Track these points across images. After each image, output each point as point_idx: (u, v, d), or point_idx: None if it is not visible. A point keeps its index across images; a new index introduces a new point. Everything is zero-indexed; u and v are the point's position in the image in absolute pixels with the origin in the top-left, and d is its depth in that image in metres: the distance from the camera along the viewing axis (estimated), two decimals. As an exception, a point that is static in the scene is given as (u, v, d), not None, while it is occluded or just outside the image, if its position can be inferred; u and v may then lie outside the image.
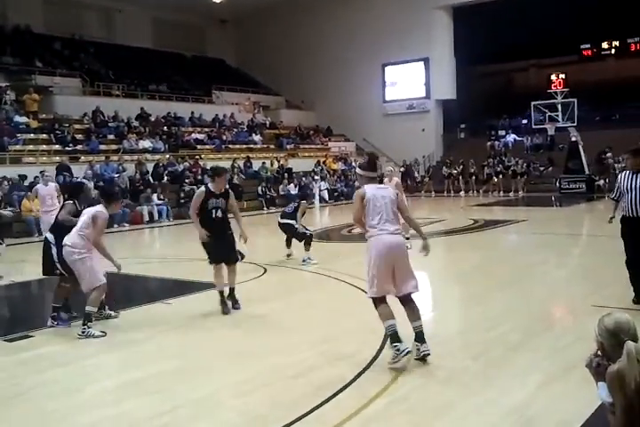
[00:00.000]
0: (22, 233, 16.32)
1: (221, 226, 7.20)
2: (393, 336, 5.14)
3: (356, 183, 26.63)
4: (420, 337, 5.20)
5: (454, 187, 26.79)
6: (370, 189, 5.35)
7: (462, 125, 32.60)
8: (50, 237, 6.97)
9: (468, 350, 5.64)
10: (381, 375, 4.97)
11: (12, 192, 17.37)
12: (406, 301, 5.30)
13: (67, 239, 6.47)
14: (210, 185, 7.31)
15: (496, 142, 29.71)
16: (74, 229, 6.53)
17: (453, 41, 30.51)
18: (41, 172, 14.73)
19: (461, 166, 27.05)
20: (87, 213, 6.61)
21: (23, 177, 17.90)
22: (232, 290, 7.47)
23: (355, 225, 5.88)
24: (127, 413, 4.47)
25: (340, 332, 6.38)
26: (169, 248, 14.89)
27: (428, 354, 5.18)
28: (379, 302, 5.23)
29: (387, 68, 32.00)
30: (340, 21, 30.99)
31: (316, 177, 25.70)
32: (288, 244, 11.08)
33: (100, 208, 6.59)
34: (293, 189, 23.94)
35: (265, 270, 9.90)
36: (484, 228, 14.97)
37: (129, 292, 9.54)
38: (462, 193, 26.25)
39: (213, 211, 7.15)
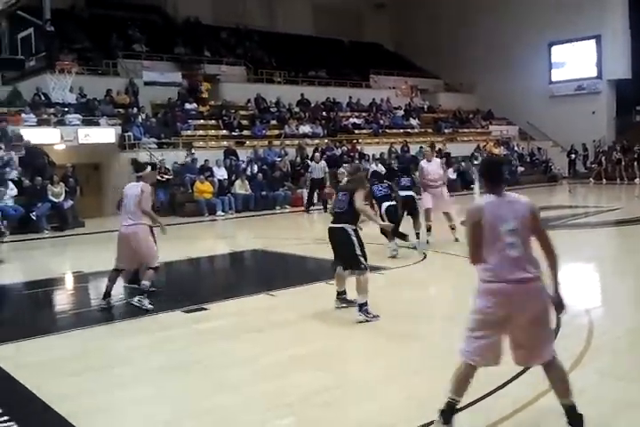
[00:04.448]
0: (193, 213, 17.43)
1: None
2: None
3: (520, 169, 25.70)
4: None
5: (628, 174, 24.90)
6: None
7: (638, 107, 30.07)
8: None
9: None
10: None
11: (184, 174, 18.60)
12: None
13: None
14: None
15: (677, 125, 27.15)
16: None
17: (629, 16, 28.12)
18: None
19: (637, 151, 25.05)
20: None
21: (195, 160, 19.08)
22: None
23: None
24: (296, 385, 4.61)
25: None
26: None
27: None
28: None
29: (553, 48, 30.27)
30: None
31: (475, 162, 24.94)
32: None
33: None
34: (452, 174, 23.46)
35: (425, 256, 9.80)
36: (662, 218, 13.75)
37: (291, 271, 9.88)
38: (637, 180, 24.35)
39: None
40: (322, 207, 17.87)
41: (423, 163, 11.14)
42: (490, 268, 3.56)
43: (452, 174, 23.48)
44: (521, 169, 26.15)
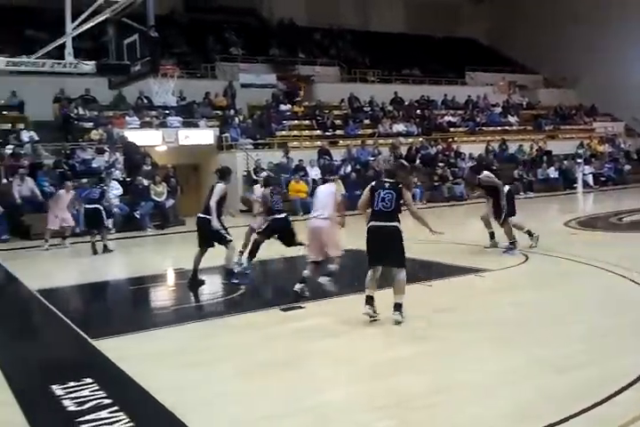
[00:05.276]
0: (288, 212, 17.58)
1: None
2: None
3: (626, 167, 24.47)
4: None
5: None
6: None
7: None
8: None
9: None
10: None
11: (279, 174, 18.85)
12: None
13: None
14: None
15: None
16: None
17: None
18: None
19: None
20: None
21: (289, 160, 19.34)
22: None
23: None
24: (397, 387, 4.54)
25: (614, 326, 5.86)
26: (424, 231, 14.89)
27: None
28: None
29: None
30: (606, -12, 28.36)
31: (578, 160, 23.90)
32: None
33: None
34: (553, 173, 22.60)
35: (527, 258, 9.45)
36: None
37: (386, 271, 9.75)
38: None
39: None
40: None
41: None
42: None
43: (553, 173, 22.66)
44: (627, 167, 24.82)
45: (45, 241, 12.59)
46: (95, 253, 11.79)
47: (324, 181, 8.93)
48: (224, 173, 8.55)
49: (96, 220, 12.01)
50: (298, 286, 7.40)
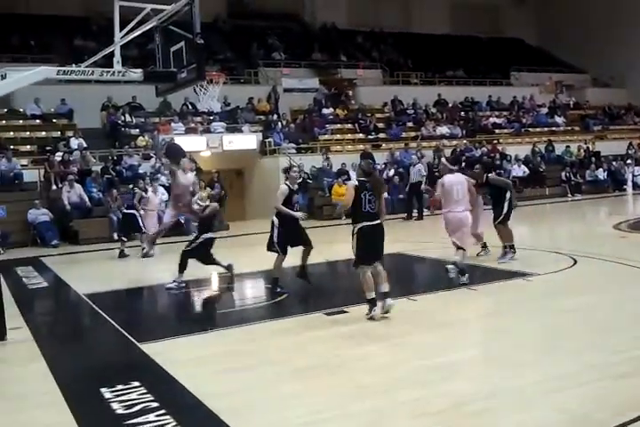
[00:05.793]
0: (331, 216, 17.62)
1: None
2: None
3: None
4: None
5: None
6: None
7: None
8: None
9: None
10: None
11: (322, 178, 18.89)
12: None
13: None
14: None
15: None
16: None
17: None
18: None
19: None
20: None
21: (330, 163, 19.35)
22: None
23: None
24: (443, 393, 4.48)
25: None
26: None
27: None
28: None
29: None
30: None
31: (628, 161, 23.26)
32: None
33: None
34: (602, 174, 22.06)
35: (575, 261, 9.24)
36: None
37: (433, 275, 9.68)
38: None
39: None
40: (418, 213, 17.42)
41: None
42: None
43: (601, 174, 22.15)
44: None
45: (152, 244, 12.12)
46: (122, 256, 12.20)
47: (451, 171, 8.94)
48: (285, 172, 8.45)
49: (132, 224, 12.26)
50: (456, 276, 8.09)
